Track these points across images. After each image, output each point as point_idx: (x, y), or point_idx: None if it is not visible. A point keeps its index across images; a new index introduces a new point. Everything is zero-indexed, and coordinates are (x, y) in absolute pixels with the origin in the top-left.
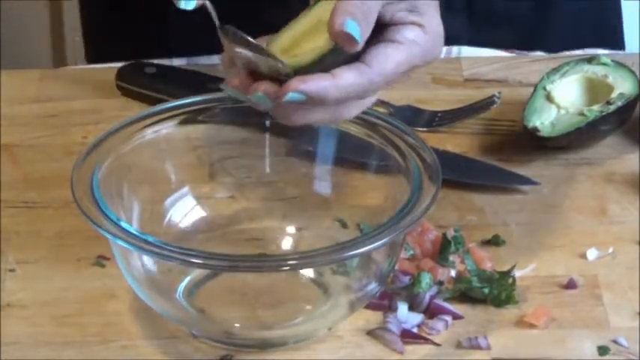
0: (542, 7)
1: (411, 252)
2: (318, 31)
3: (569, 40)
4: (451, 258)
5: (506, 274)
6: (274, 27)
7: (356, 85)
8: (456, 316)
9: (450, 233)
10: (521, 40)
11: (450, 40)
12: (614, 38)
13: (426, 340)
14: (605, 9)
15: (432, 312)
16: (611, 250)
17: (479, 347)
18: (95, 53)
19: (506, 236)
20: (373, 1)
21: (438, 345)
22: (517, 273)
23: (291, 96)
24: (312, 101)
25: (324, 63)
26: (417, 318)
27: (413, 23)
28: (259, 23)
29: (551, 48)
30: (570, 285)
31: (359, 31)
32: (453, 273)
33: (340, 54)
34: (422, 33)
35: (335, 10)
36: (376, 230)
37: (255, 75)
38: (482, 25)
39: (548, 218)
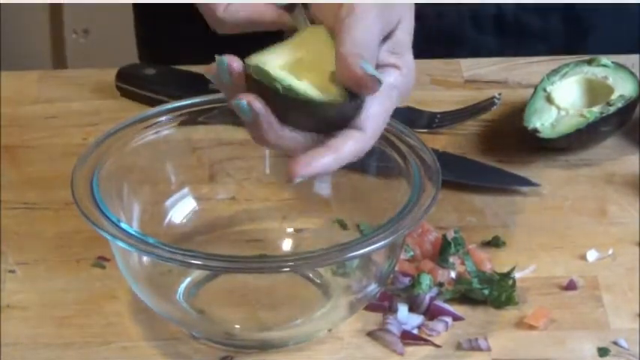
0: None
1: (411, 253)
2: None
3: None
4: (451, 259)
5: (507, 275)
6: None
7: (354, 153)
8: (456, 318)
9: (450, 234)
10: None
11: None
12: None
13: (426, 342)
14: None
15: (432, 313)
16: (611, 251)
17: (479, 348)
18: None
19: (506, 237)
20: (372, 39)
21: (438, 346)
22: (517, 274)
23: (299, 179)
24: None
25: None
26: (417, 319)
27: (391, 65)
28: None
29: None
30: (570, 286)
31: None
32: (453, 274)
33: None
34: (399, 75)
35: (344, 55)
36: (376, 231)
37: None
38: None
39: (548, 219)
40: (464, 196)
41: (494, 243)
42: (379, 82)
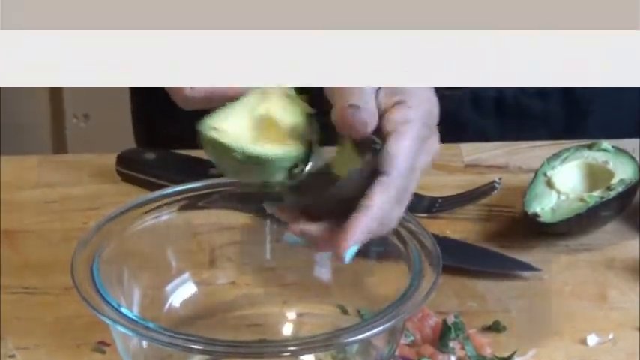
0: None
1: (412, 338)
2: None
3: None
4: (451, 344)
5: None
6: None
7: (386, 200)
8: None
9: (450, 319)
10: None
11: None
12: None
13: None
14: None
15: None
16: (611, 336)
17: None
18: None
19: (506, 322)
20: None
21: None
22: (518, 359)
23: (349, 254)
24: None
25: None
26: None
27: (396, 103)
28: None
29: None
30: None
31: (367, 113)
32: (453, 359)
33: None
34: (407, 109)
35: (340, 106)
36: (376, 316)
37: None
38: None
39: (549, 304)
40: (464, 280)
41: (495, 327)
42: (365, 124)
